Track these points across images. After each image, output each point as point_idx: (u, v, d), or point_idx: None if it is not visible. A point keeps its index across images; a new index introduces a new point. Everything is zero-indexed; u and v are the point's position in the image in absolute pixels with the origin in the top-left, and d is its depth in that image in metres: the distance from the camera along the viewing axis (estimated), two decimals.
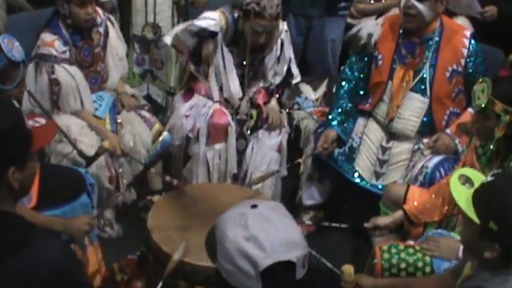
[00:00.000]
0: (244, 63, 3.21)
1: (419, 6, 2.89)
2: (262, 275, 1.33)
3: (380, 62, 3.07)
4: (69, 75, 3.03)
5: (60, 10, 3.03)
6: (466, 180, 1.76)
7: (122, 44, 3.38)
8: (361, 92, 3.17)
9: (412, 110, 3.02)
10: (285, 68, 3.29)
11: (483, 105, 2.23)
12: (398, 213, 2.60)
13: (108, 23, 3.25)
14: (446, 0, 2.93)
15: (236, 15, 3.10)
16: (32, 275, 1.49)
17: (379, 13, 3.56)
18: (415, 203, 2.59)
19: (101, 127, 3.10)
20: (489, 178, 1.73)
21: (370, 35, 3.09)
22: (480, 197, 1.70)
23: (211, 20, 3.02)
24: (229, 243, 1.35)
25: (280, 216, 1.41)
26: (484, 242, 1.69)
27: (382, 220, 2.63)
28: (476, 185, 1.73)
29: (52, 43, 3.00)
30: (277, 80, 3.31)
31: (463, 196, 1.73)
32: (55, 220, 2.43)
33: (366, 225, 2.63)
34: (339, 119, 3.10)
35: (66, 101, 3.04)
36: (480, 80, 2.29)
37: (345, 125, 3.11)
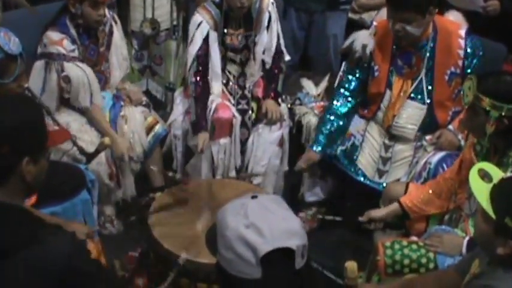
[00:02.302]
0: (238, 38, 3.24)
1: (408, 28, 2.81)
2: (262, 262, 1.33)
3: (376, 73, 3.02)
4: (81, 70, 3.00)
5: (71, 9, 2.99)
6: (485, 175, 1.75)
7: (124, 43, 3.35)
8: (359, 101, 3.13)
9: (408, 117, 2.99)
10: (274, 42, 3.28)
11: (470, 102, 2.23)
12: (394, 206, 2.60)
13: (113, 22, 3.21)
14: (435, 9, 2.85)
15: None
16: (41, 269, 1.52)
17: (380, 7, 3.53)
18: (411, 197, 2.59)
19: (110, 130, 3.07)
20: (509, 174, 1.74)
21: (364, 46, 3.03)
22: (498, 192, 1.69)
23: (196, 32, 3.14)
24: (230, 231, 1.36)
25: (279, 207, 1.42)
26: (498, 238, 1.68)
27: (377, 213, 2.63)
28: (495, 180, 1.73)
29: (60, 42, 2.97)
30: (268, 56, 3.29)
31: (481, 190, 1.72)
32: (54, 220, 2.40)
33: (361, 219, 2.62)
34: (323, 142, 3.07)
35: (77, 96, 3.01)
36: (467, 77, 2.29)
37: (329, 147, 3.08)
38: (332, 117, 3.09)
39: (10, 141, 1.56)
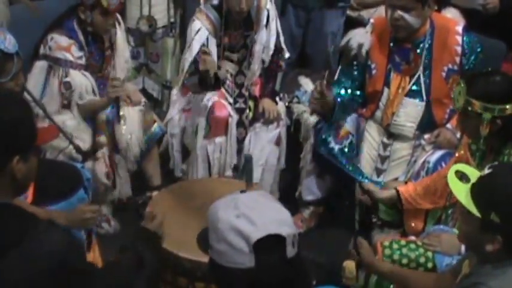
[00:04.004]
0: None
1: (406, 16, 2.81)
2: (254, 250, 1.35)
3: (374, 71, 3.01)
4: (86, 78, 2.99)
5: (80, 15, 2.96)
6: (462, 176, 1.76)
7: (127, 45, 3.32)
8: (357, 100, 3.11)
9: (407, 115, 2.98)
10: (273, 40, 3.26)
11: (462, 107, 2.24)
12: (391, 192, 2.65)
13: (116, 23, 3.16)
14: (433, 3, 2.86)
15: (217, 1, 3.13)
16: (33, 266, 1.51)
17: (379, 4, 3.52)
18: (408, 188, 2.63)
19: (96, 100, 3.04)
20: (486, 170, 1.74)
21: (360, 45, 3.02)
22: (479, 189, 1.70)
23: (194, 38, 3.10)
24: (221, 223, 1.39)
25: (268, 200, 1.47)
26: (485, 235, 1.68)
27: (376, 191, 2.69)
28: (472, 179, 1.73)
29: (68, 48, 2.95)
30: (266, 54, 3.27)
31: (461, 191, 1.73)
32: (56, 215, 2.39)
33: (363, 184, 2.70)
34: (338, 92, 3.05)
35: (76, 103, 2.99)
36: (456, 82, 2.29)
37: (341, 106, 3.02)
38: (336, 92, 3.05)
39: (0, 142, 1.55)
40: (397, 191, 2.64)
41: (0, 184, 1.57)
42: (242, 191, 1.48)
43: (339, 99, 3.01)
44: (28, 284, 1.53)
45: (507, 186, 1.68)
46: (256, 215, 1.38)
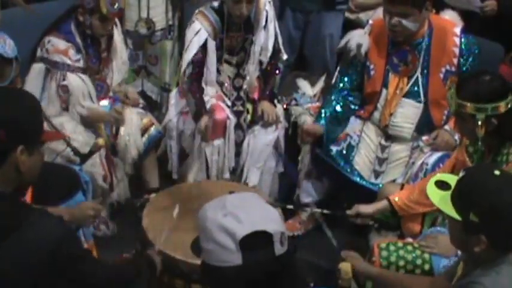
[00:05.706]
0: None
1: (404, 22, 2.82)
2: (242, 247, 1.36)
3: (372, 72, 3.02)
4: (82, 81, 2.99)
5: (79, 18, 2.97)
6: (442, 185, 1.78)
7: (124, 46, 3.32)
8: (355, 101, 3.13)
9: (405, 116, 2.99)
10: (271, 41, 3.25)
11: (455, 110, 2.25)
12: (383, 203, 2.61)
13: (113, 26, 3.15)
14: (431, 5, 2.86)
15: (217, 3, 3.13)
16: (27, 256, 1.54)
17: (377, 7, 3.52)
18: (401, 195, 2.61)
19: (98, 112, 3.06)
20: (461, 174, 1.76)
21: (359, 46, 3.03)
22: (456, 194, 1.72)
23: (193, 38, 3.09)
24: (209, 223, 1.41)
25: (257, 200, 1.49)
26: (471, 238, 1.70)
27: (365, 208, 2.62)
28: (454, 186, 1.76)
29: (66, 51, 2.95)
30: (264, 56, 3.27)
31: (440, 198, 1.75)
32: (59, 211, 2.39)
33: (349, 212, 2.62)
34: (327, 119, 3.08)
35: (74, 106, 3.00)
36: (449, 86, 2.30)
37: (331, 127, 3.07)
38: (328, 110, 3.08)
39: (6, 128, 1.58)
40: (389, 201, 2.60)
41: (4, 174, 1.60)
42: (231, 192, 1.50)
43: (329, 115, 3.06)
44: (26, 270, 1.56)
45: (480, 185, 1.70)
46: (243, 214, 1.39)
